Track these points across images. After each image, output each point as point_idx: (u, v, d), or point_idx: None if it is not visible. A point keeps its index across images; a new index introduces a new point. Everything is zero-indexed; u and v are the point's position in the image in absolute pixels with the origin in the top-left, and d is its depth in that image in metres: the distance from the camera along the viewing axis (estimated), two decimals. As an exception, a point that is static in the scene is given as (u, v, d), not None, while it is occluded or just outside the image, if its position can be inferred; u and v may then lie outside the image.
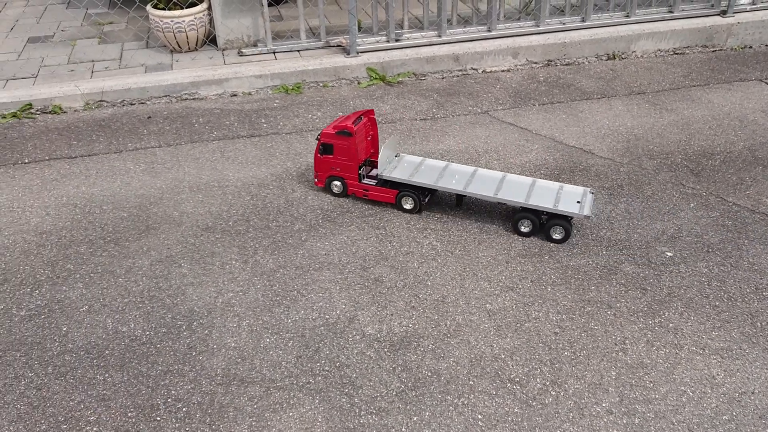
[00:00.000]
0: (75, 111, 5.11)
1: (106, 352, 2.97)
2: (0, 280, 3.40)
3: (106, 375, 2.85)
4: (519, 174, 4.14)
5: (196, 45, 5.77)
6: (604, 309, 3.20)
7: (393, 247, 3.63)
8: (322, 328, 3.09)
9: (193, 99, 5.32)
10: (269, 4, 5.56)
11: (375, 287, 3.33)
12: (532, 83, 5.62)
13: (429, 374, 2.85)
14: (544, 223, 3.65)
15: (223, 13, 5.63)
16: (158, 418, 2.66)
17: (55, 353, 2.96)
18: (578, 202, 3.65)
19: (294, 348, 2.98)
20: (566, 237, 3.62)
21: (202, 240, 3.68)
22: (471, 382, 2.81)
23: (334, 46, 5.79)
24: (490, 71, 5.85)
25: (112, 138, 4.76)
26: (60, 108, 5.07)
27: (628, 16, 6.19)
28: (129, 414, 2.68)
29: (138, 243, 3.66)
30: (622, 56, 6.12)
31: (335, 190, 4.04)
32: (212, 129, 4.87)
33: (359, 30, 5.81)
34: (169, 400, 2.74)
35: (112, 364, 2.90)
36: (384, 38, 5.77)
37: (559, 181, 4.16)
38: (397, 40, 5.77)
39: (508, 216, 3.87)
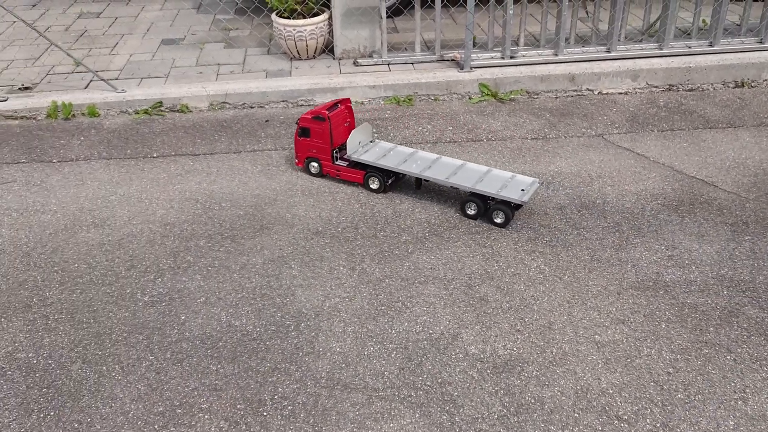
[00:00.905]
0: (200, 111, 5.42)
1: (220, 343, 3.12)
2: (127, 266, 3.65)
3: (219, 366, 3.00)
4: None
5: (315, 53, 5.97)
6: (723, 353, 3.02)
7: (499, 267, 3.59)
8: (425, 342, 3.10)
9: (309, 105, 5.50)
10: (387, 16, 5.67)
11: (480, 306, 3.31)
12: (652, 108, 5.41)
13: (532, 401, 2.79)
14: (488, 208, 3.94)
15: (343, 23, 5.79)
16: (265, 413, 2.77)
17: (173, 340, 3.15)
18: (522, 190, 3.91)
19: (397, 359, 3.01)
20: (506, 222, 3.89)
21: (312, 243, 3.80)
22: (576, 415, 2.73)
23: (447, 61, 5.83)
24: (607, 93, 5.68)
25: (232, 138, 5.00)
26: (187, 107, 5.39)
27: (761, 42, 5.84)
28: (238, 406, 2.80)
29: (252, 241, 3.83)
30: (752, 84, 5.77)
31: (313, 170, 4.47)
32: (325, 136, 5.02)
33: (473, 45, 5.81)
34: (275, 396, 2.84)
35: (225, 356, 3.05)
36: (498, 54, 5.74)
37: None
38: (512, 57, 5.72)
39: (459, 201, 3.77)
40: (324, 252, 3.73)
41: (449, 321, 3.22)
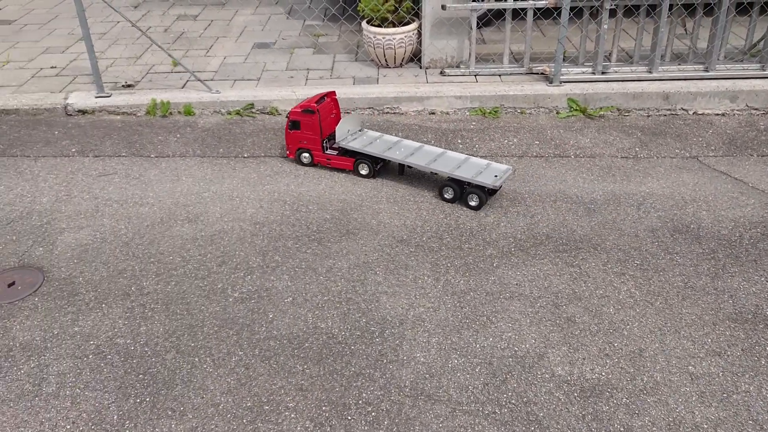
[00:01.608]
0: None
1: (306, 344, 3.18)
2: (219, 261, 3.78)
3: (305, 366, 3.06)
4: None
5: (402, 62, 6.01)
6: (830, 396, 2.85)
7: (587, 288, 3.51)
8: (510, 359, 3.07)
9: (394, 113, 5.55)
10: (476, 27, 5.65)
11: (567, 327, 3.25)
12: (751, 131, 5.17)
13: (621, 430, 2.71)
14: (464, 192, 4.19)
15: (432, 33, 5.81)
16: (349, 417, 2.80)
17: (262, 337, 3.23)
18: (496, 176, 4.18)
19: (481, 374, 2.99)
20: (480, 205, 4.17)
21: (397, 251, 3.82)
22: (668, 448, 2.64)
23: (536, 74, 5.75)
24: (702, 114, 5.47)
25: (319, 143, 5.10)
26: (276, 110, 5.53)
27: None
28: (323, 408, 2.85)
29: (338, 245, 3.89)
30: None
31: (304, 161, 4.74)
32: (410, 144, 5.04)
33: (563, 59, 5.71)
34: (360, 402, 2.87)
35: (311, 357, 3.11)
36: (589, 69, 5.62)
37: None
38: (603, 73, 5.59)
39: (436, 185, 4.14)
40: (409, 261, 3.75)
41: (535, 339, 3.17)
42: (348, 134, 4.66)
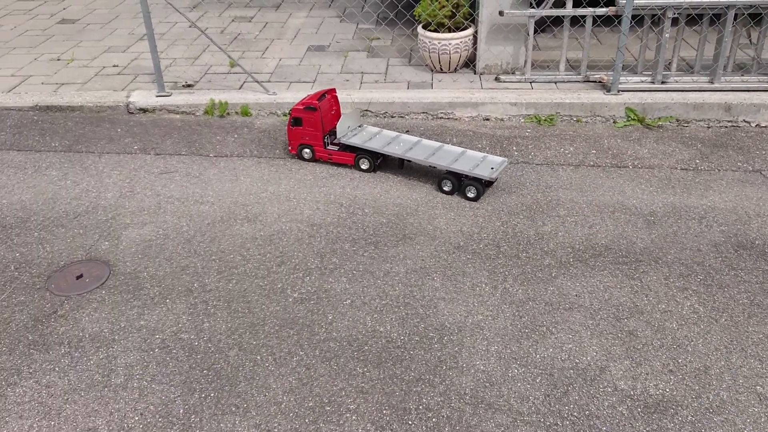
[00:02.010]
0: (343, 117, 5.61)
1: (365, 347, 3.21)
2: (278, 261, 3.84)
3: (365, 369, 3.09)
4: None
5: (456, 67, 6.01)
6: None
7: (649, 301, 3.46)
8: (572, 371, 3.05)
9: (448, 118, 5.56)
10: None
11: (629, 341, 3.20)
12: (818, 145, 5.02)
13: (688, 448, 2.67)
14: (462, 184, 4.36)
15: (488, 39, 5.80)
16: (410, 422, 2.82)
17: (322, 338, 3.27)
18: (492, 168, 4.34)
19: (542, 385, 2.97)
20: (478, 196, 4.33)
21: (454, 258, 3.83)
22: (737, 469, 2.58)
23: (592, 82, 5.69)
24: (766, 126, 5.33)
25: (374, 146, 5.14)
26: (331, 112, 5.59)
27: None
28: (384, 411, 2.87)
29: (395, 249, 3.91)
30: None
31: (306, 156, 4.87)
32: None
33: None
34: (420, 407, 2.89)
35: (371, 360, 3.13)
36: (648, 79, 5.53)
37: None
38: (663, 82, 5.50)
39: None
40: (466, 267, 3.75)
41: (596, 352, 3.14)
42: (348, 130, 4.80)
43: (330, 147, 4.81)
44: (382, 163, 4.77)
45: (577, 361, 3.10)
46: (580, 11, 5.37)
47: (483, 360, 3.12)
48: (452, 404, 2.89)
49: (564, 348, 3.17)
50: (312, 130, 4.74)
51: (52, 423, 2.85)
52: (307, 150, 4.85)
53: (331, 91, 4.90)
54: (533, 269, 3.72)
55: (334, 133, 4.79)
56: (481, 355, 3.15)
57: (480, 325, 3.33)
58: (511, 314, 3.39)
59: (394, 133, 4.82)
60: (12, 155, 5.06)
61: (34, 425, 2.84)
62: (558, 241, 3.96)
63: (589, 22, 5.47)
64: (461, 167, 4.35)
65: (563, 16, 5.55)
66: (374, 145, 4.63)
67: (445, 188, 4.44)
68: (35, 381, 3.06)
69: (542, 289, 3.56)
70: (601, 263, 3.76)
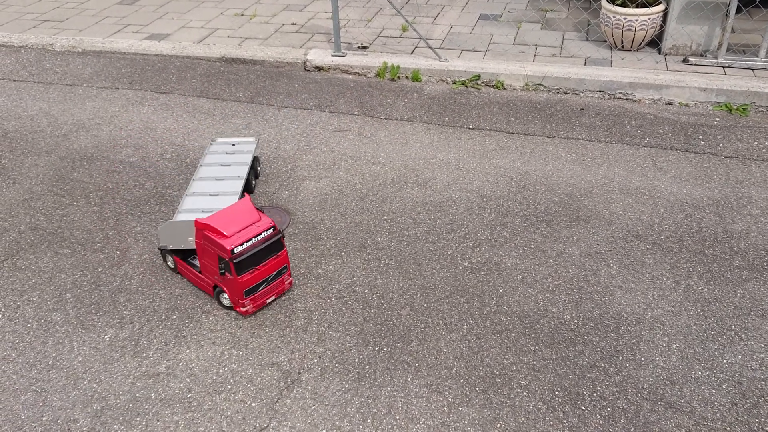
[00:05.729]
0: (514, 89, 5.49)
1: (537, 325, 3.17)
2: (448, 228, 3.86)
3: (536, 347, 3.05)
4: None
5: (639, 45, 5.66)
6: None
7: None
8: (763, 382, 2.83)
9: (626, 99, 5.27)
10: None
11: (833, 360, 2.92)
12: None
13: None
14: None
15: (680, 17, 5.39)
16: (583, 408, 2.76)
17: (492, 310, 3.27)
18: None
19: (729, 392, 2.79)
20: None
21: (632, 246, 3.65)
22: None
23: (797, 71, 5.14)
24: None
25: (546, 122, 4.99)
26: (502, 84, 5.49)
27: None
28: (556, 392, 2.83)
29: (568, 230, 3.80)
30: None
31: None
32: (644, 135, 4.76)
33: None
34: (594, 394, 2.82)
35: (542, 339, 3.09)
36: None
37: None
38: None
39: None
40: (645, 258, 3.57)
41: (794, 367, 2.89)
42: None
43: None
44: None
45: (771, 373, 2.87)
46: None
47: (663, 356, 2.97)
48: (629, 397, 2.79)
49: (755, 357, 2.95)
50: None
51: (241, 353, 3.08)
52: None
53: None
54: (721, 269, 3.47)
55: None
56: (661, 350, 3.00)
57: (660, 320, 3.17)
58: (695, 313, 3.20)
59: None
60: (202, 102, 5.45)
61: (225, 352, 3.09)
62: (750, 242, 3.66)
63: (804, 4, 4.92)
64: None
65: (773, -4, 5.03)
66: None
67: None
68: (225, 312, 3.32)
69: (731, 291, 3.32)
70: (801, 272, 3.43)
